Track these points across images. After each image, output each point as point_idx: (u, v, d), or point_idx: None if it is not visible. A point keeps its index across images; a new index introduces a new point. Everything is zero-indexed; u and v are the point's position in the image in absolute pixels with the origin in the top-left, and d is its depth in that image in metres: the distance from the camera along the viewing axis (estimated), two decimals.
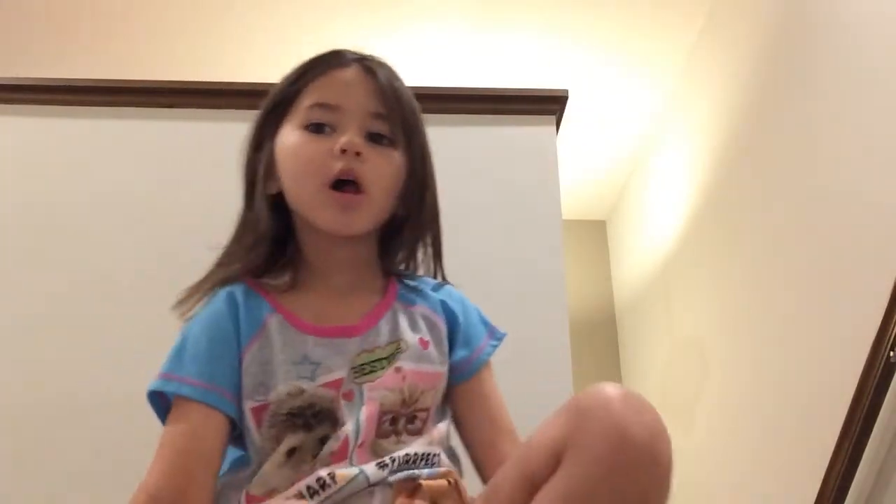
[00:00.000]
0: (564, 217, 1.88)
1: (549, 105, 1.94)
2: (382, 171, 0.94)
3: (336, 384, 0.89)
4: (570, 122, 2.08)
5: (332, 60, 0.97)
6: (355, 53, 0.99)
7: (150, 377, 0.91)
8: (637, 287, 3.76)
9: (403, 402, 0.91)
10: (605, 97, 3.42)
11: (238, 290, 0.94)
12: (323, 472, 0.83)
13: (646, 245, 3.66)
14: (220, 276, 0.97)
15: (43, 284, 1.70)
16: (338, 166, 0.92)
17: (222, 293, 0.95)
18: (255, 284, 0.96)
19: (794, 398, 2.29)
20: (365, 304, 0.97)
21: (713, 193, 2.97)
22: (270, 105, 0.99)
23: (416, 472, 0.87)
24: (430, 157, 1.01)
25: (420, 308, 0.99)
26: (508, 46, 3.16)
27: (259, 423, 0.88)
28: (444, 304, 1.01)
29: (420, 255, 1.03)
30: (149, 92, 1.91)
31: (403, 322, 0.97)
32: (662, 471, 0.69)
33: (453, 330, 1.00)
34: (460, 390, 0.99)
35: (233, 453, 0.92)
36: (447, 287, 1.05)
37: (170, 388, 0.89)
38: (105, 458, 1.55)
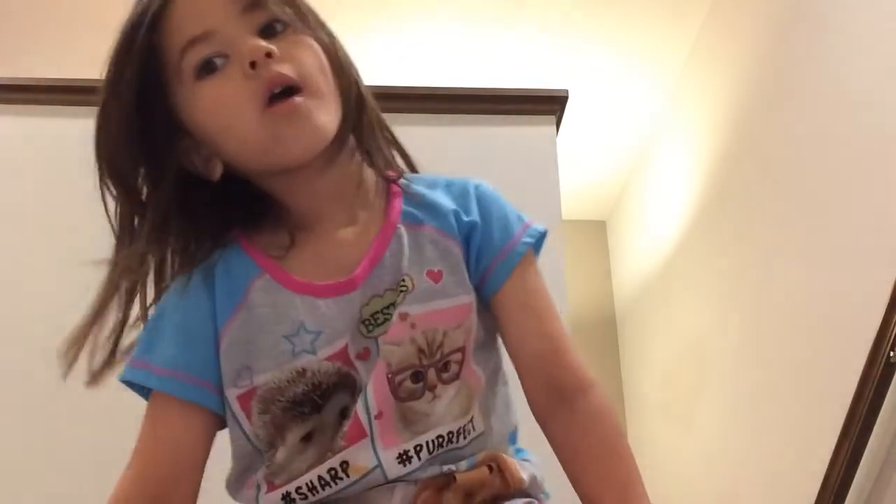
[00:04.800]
0: (564, 217, 1.88)
1: (549, 105, 1.94)
2: (302, 56, 0.76)
3: (342, 353, 0.76)
4: (570, 122, 2.08)
5: None
6: None
7: None
8: (637, 287, 3.76)
9: (422, 353, 0.76)
10: (605, 97, 3.42)
11: (219, 254, 0.80)
12: (335, 463, 0.74)
13: (646, 245, 3.66)
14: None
15: (41, 284, 1.69)
16: (260, 83, 0.73)
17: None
18: (249, 246, 0.80)
19: (794, 398, 2.29)
20: (366, 237, 0.80)
21: (713, 193, 2.97)
22: (149, 78, 0.76)
23: (451, 466, 0.76)
24: (333, 32, 0.84)
25: (428, 228, 0.81)
26: (508, 46, 3.16)
27: (249, 413, 0.76)
28: (457, 214, 0.83)
29: (384, 147, 0.85)
30: None
31: (409, 251, 0.79)
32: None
33: (470, 240, 0.82)
34: (496, 300, 0.82)
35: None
36: (464, 184, 0.86)
37: (138, 377, 0.77)
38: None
